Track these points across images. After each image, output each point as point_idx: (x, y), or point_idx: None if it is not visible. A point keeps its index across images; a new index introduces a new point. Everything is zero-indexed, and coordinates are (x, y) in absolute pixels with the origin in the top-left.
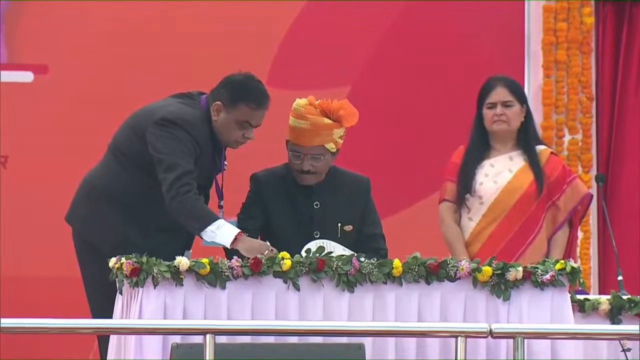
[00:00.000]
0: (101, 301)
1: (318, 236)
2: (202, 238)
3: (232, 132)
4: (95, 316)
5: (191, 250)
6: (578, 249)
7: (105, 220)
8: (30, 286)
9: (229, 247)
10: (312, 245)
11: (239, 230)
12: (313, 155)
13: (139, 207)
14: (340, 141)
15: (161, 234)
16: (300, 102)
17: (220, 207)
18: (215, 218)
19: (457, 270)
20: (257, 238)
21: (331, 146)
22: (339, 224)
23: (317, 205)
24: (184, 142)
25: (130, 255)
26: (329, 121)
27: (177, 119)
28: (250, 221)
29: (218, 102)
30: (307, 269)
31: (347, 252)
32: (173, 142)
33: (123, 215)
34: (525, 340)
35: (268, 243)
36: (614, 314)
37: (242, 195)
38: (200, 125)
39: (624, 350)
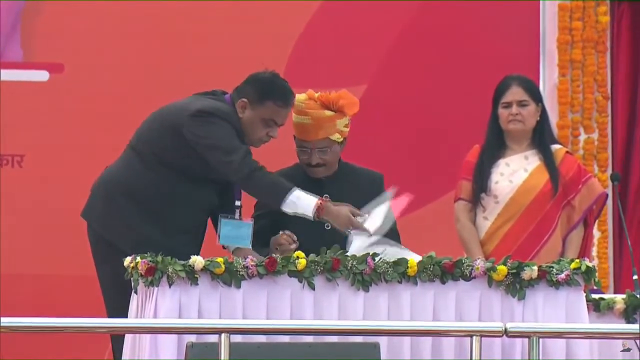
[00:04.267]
0: (117, 300)
1: (329, 228)
2: (284, 210)
3: (257, 130)
4: (111, 315)
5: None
6: (596, 249)
7: (125, 219)
8: (48, 284)
9: (311, 217)
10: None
11: (318, 198)
12: (320, 148)
13: (160, 206)
14: (346, 130)
15: (181, 235)
16: (299, 97)
17: (239, 207)
18: (293, 187)
19: (472, 269)
20: (269, 237)
21: (337, 137)
22: None
23: (327, 197)
24: (228, 128)
25: (146, 254)
26: (331, 113)
27: (214, 110)
28: (261, 222)
29: (244, 100)
30: (322, 268)
31: (413, 255)
32: (219, 128)
33: (143, 214)
34: (541, 339)
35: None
36: (629, 313)
37: None
38: (234, 118)
39: (624, 350)
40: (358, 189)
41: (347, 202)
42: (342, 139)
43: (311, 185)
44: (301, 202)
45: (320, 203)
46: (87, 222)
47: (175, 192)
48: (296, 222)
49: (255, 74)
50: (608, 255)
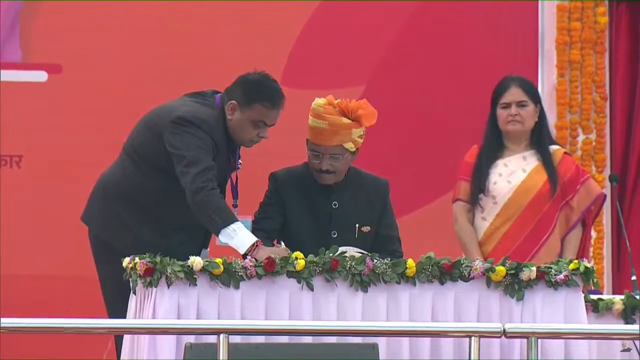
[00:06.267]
0: (117, 301)
1: (336, 236)
2: (217, 237)
3: (247, 131)
4: (111, 315)
5: (208, 249)
6: (591, 249)
7: (122, 221)
8: (46, 285)
9: (242, 252)
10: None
11: (257, 239)
12: (332, 155)
13: (155, 207)
14: (360, 140)
15: (177, 234)
16: (319, 101)
17: (235, 206)
18: (236, 220)
19: (470, 270)
20: (273, 238)
21: (350, 146)
22: (357, 225)
23: (335, 205)
24: (203, 140)
25: (144, 255)
26: (348, 121)
27: (193, 119)
28: (268, 221)
29: (233, 102)
30: (320, 269)
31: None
32: (192, 139)
33: (139, 216)
34: (539, 340)
35: (284, 246)
36: (628, 314)
37: (257, 194)
38: (216, 124)
39: (623, 350)
40: (365, 195)
41: (354, 207)
42: (355, 149)
43: (320, 189)
44: (238, 236)
45: (257, 244)
46: (87, 226)
47: (166, 193)
48: (302, 227)
49: (244, 76)
50: (603, 255)
